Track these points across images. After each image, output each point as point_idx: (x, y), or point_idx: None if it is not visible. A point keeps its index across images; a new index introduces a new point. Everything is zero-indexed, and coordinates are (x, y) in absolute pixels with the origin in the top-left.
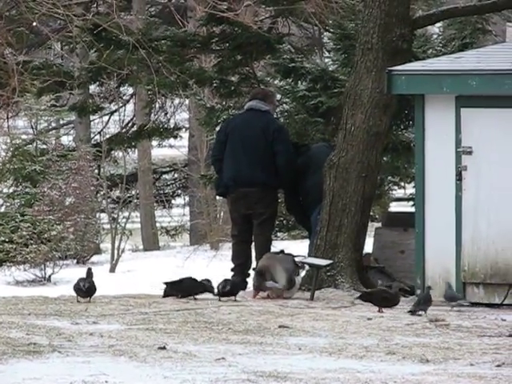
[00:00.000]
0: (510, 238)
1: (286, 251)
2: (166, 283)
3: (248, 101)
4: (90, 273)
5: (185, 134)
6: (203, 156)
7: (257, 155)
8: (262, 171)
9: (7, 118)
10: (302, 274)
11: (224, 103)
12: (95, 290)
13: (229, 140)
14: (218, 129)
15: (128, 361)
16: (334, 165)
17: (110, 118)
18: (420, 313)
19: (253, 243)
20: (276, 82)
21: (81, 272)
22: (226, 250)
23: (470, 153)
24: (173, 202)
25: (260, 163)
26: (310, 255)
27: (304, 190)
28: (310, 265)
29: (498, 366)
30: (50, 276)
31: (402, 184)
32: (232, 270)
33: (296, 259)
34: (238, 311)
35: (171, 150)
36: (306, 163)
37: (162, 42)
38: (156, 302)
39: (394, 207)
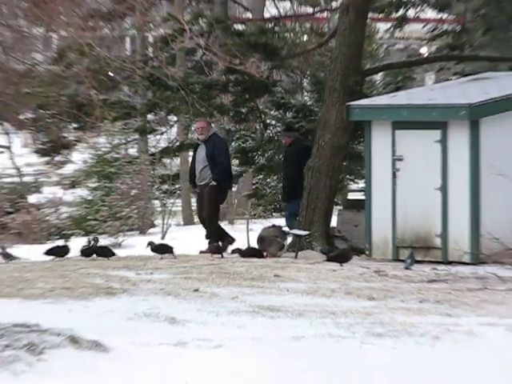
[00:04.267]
0: (427, 216)
1: (277, 225)
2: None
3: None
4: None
5: None
6: None
7: None
8: None
9: (93, 136)
10: (289, 239)
11: (237, 127)
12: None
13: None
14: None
15: (173, 299)
16: (310, 168)
17: (161, 136)
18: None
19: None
20: (272, 112)
21: (142, 239)
22: (239, 225)
23: (401, 159)
24: None
25: None
26: (291, 227)
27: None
28: (295, 234)
29: (421, 302)
30: (120, 242)
31: (356, 180)
32: (228, 243)
33: (283, 229)
34: (246, 266)
35: None
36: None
37: (196, 85)
38: (192, 260)
39: (351, 196)
